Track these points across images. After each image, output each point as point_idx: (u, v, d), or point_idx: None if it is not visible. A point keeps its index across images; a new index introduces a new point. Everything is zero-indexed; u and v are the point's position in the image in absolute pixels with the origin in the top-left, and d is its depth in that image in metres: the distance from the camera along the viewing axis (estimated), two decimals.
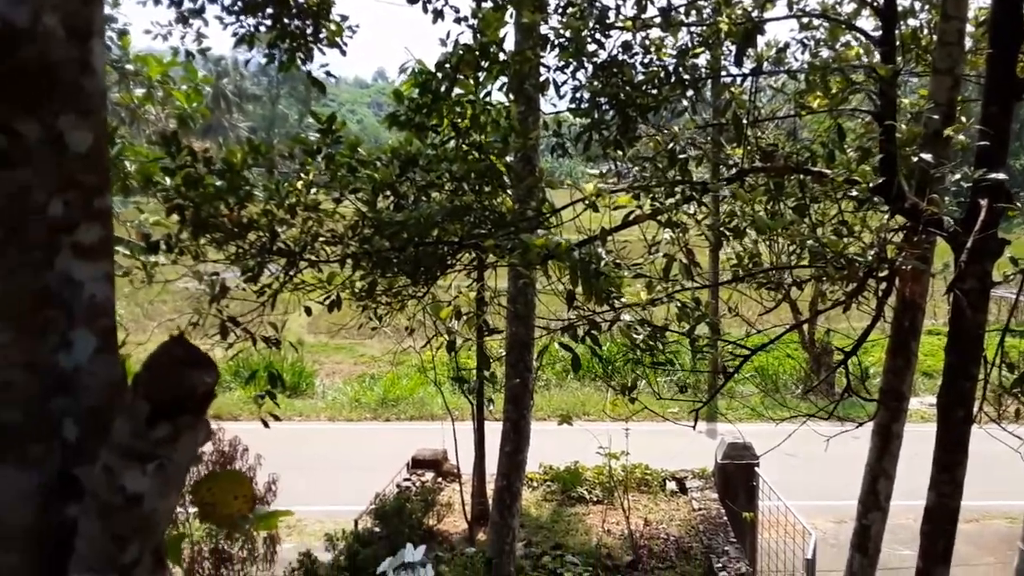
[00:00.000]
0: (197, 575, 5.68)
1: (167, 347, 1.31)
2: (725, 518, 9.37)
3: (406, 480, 10.46)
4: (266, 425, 4.75)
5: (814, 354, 17.85)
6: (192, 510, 5.72)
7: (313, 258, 5.17)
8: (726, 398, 17.72)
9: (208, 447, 5.91)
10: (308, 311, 5.05)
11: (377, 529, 8.20)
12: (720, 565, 7.97)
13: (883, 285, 4.98)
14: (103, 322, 1.40)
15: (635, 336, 3.89)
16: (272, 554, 5.98)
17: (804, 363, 18.36)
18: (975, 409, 4.53)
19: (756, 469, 9.22)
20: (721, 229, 4.56)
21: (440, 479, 10.81)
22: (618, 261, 4.12)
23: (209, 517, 1.50)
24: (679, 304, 4.16)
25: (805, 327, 18.85)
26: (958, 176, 4.82)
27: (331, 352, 23.17)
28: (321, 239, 5.20)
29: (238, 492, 1.47)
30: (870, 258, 4.49)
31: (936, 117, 4.88)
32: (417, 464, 11.07)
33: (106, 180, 1.44)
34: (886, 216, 4.80)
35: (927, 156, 4.43)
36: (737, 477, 9.46)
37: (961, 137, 4.91)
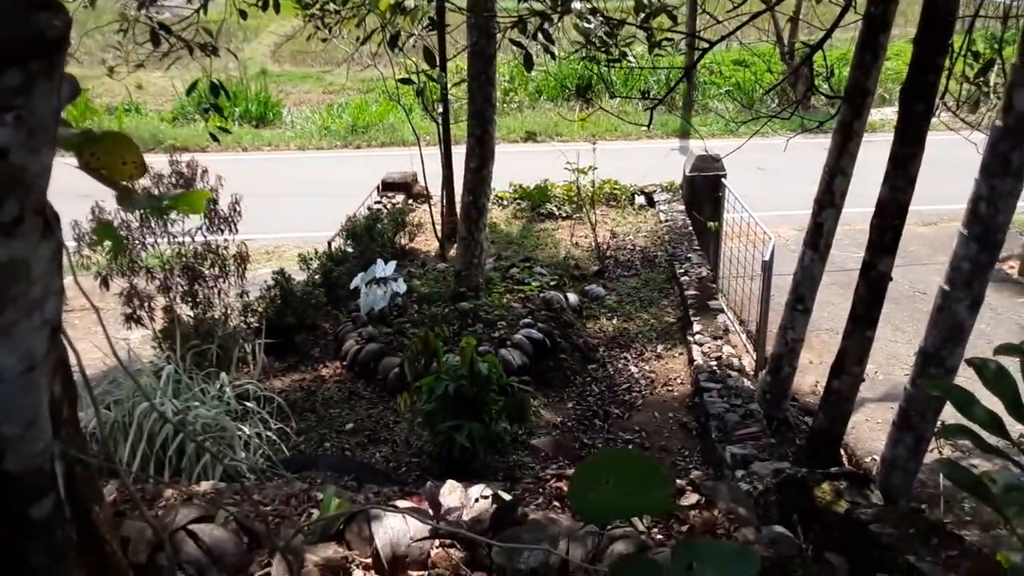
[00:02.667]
0: (172, 292, 5.85)
1: None
2: (691, 229, 9.62)
3: (377, 203, 10.55)
4: (215, 139, 4.62)
5: (792, 66, 17.44)
6: (156, 240, 5.76)
7: None
8: (700, 114, 17.56)
9: (166, 168, 5.81)
10: (243, 15, 4.73)
11: (350, 249, 8.38)
12: (683, 271, 8.29)
13: None
14: None
15: (586, 26, 3.67)
16: (243, 271, 6.11)
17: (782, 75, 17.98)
18: (936, 101, 4.46)
19: (723, 181, 9.28)
20: None
21: (411, 201, 10.91)
22: None
23: (103, 182, 1.44)
24: None
25: (786, 40, 18.30)
26: None
27: (297, 81, 22.42)
28: None
29: (127, 156, 1.41)
30: None
31: None
32: (387, 187, 11.12)
33: None
34: None
35: None
36: (704, 189, 9.55)
37: None
